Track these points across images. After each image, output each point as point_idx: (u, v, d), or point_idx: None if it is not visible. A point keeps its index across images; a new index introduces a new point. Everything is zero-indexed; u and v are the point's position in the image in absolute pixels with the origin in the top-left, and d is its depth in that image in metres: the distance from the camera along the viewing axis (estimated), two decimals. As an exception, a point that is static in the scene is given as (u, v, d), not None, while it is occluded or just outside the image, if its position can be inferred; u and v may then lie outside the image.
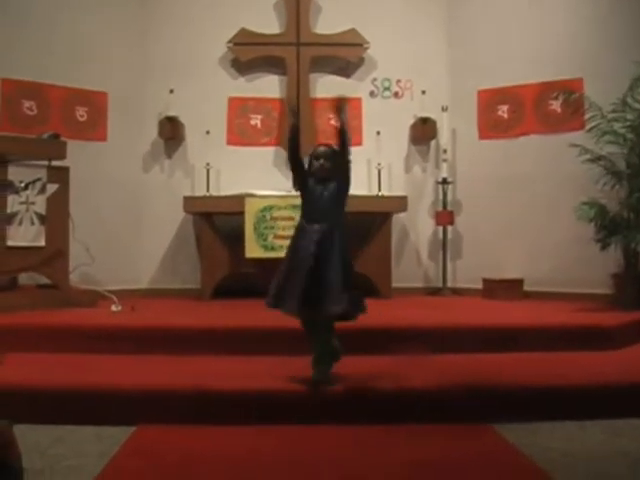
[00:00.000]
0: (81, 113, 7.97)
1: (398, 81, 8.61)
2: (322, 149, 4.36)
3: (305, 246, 4.20)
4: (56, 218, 6.56)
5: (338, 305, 4.18)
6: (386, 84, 8.62)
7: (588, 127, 7.12)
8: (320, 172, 4.29)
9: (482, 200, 8.25)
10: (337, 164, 4.31)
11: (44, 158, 6.57)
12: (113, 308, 6.46)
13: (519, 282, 7.87)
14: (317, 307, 4.14)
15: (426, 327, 5.59)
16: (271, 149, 8.54)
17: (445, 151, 8.38)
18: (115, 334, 5.38)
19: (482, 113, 8.38)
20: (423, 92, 8.39)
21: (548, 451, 3.62)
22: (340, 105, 4.37)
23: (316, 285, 4.12)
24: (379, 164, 8.15)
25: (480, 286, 8.02)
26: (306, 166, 4.37)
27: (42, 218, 6.47)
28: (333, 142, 4.37)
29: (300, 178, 4.40)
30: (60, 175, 6.63)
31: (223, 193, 8.06)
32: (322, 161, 4.29)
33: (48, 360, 4.91)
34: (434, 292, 8.44)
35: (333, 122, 4.46)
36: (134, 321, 5.89)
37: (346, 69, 8.63)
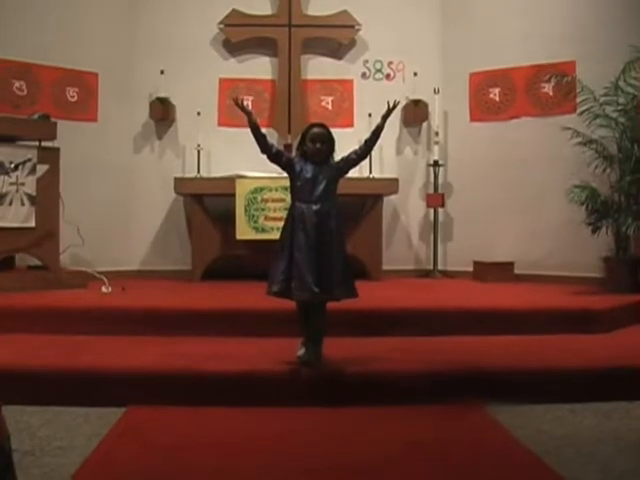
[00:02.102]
0: (72, 94, 7.92)
1: (390, 63, 8.58)
2: (320, 131, 4.30)
3: (307, 229, 4.17)
4: (46, 199, 6.54)
5: (346, 289, 4.20)
6: (378, 66, 8.58)
7: (580, 110, 7.13)
8: (317, 155, 4.27)
9: (473, 183, 8.24)
10: (332, 147, 4.31)
11: (34, 139, 6.54)
12: (103, 289, 6.46)
13: (510, 265, 7.87)
14: (324, 291, 4.14)
15: (417, 309, 5.60)
16: (262, 130, 8.42)
17: (437, 133, 8.37)
18: (105, 315, 5.38)
19: (474, 95, 8.35)
20: (415, 74, 8.35)
21: (538, 433, 3.64)
22: (394, 108, 4.43)
23: (323, 269, 4.12)
24: (370, 146, 8.12)
25: (471, 269, 8.04)
26: (284, 150, 4.34)
27: (32, 199, 6.45)
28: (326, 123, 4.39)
29: (283, 165, 4.38)
30: (50, 156, 6.60)
31: (214, 174, 8.04)
32: (319, 145, 4.26)
33: (38, 341, 4.90)
34: (424, 275, 8.44)
35: (378, 120, 4.42)
36: (124, 302, 5.89)
37: (338, 51, 8.59)
